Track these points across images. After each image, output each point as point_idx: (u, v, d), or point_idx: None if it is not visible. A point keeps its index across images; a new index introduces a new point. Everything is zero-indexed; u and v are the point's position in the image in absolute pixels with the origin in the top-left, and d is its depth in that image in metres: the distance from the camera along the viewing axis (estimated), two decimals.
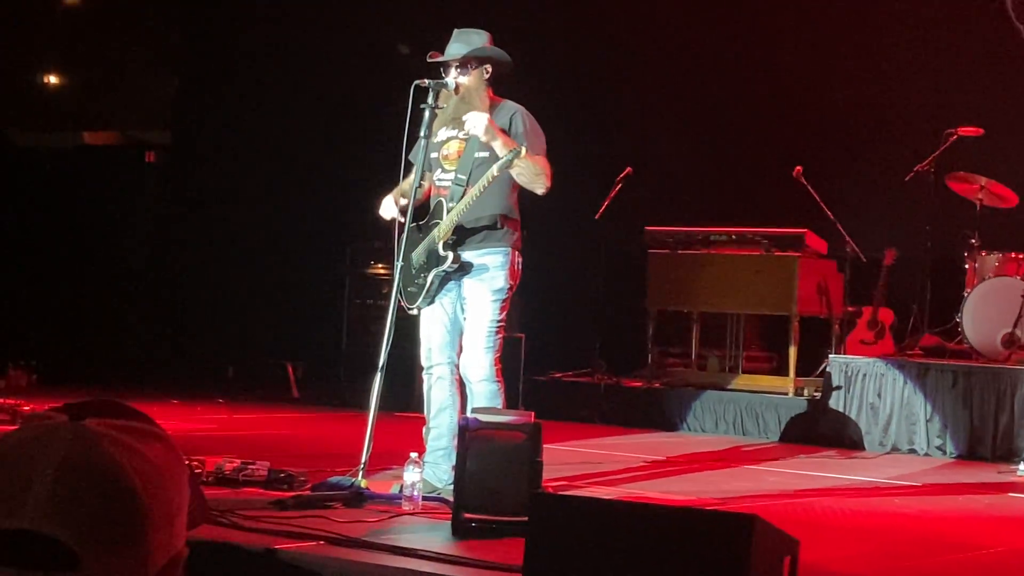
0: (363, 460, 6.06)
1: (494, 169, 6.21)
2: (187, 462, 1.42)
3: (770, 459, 8.81)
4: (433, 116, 6.51)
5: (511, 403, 6.77)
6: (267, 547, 4.90)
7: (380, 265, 11.61)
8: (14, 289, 13.35)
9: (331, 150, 12.95)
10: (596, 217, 10.98)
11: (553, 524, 3.98)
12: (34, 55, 14.96)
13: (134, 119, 14.86)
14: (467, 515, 5.44)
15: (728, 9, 12.03)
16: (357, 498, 5.90)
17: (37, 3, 14.58)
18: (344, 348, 11.79)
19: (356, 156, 11.98)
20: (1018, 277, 9.48)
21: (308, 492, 6.05)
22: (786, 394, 10.20)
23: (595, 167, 11.69)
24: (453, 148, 6.56)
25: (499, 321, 6.44)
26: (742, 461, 8.68)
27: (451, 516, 5.49)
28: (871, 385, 9.56)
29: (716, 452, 9.06)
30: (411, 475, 5.87)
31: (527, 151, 6.19)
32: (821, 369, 10.20)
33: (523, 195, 6.59)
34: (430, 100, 6.47)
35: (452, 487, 5.76)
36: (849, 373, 9.69)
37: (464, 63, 6.46)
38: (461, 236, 6.44)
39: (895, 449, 9.37)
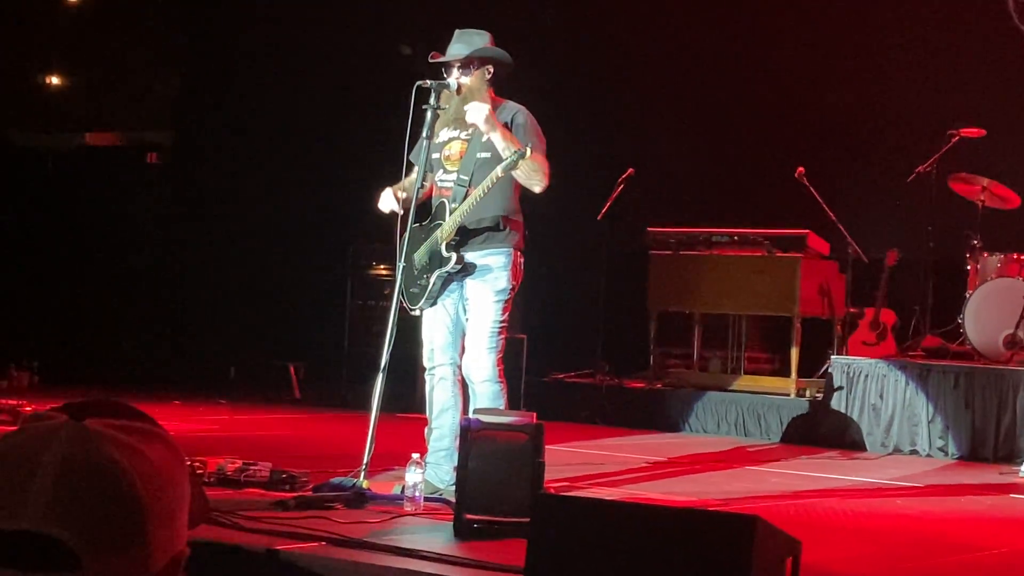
0: (365, 461, 6.06)
1: (498, 170, 6.20)
2: (188, 462, 1.42)
3: (772, 460, 8.81)
4: (435, 117, 6.51)
5: (513, 404, 6.77)
6: (268, 548, 4.90)
7: (382, 266, 11.62)
8: (16, 289, 13.36)
9: (333, 150, 12.95)
10: (598, 218, 10.97)
11: (555, 525, 3.98)
12: (36, 56, 14.96)
13: (136, 120, 14.86)
14: (469, 516, 5.44)
15: (730, 9, 12.03)
16: (359, 499, 5.90)
17: (39, 4, 14.59)
18: (346, 349, 11.79)
19: (358, 156, 11.98)
20: (1020, 278, 9.47)
21: (310, 493, 6.05)
22: (788, 395, 10.20)
23: (597, 168, 11.69)
24: (455, 149, 6.56)
25: (502, 322, 6.44)
26: (744, 462, 8.68)
27: (453, 517, 5.49)
28: (873, 386, 9.56)
29: (718, 453, 9.05)
30: (413, 476, 5.86)
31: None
32: (823, 370, 10.20)
33: (525, 196, 6.59)
34: (432, 101, 6.47)
35: (454, 488, 5.75)
36: (851, 374, 9.69)
37: (466, 63, 6.46)
38: (463, 237, 6.44)
39: (897, 450, 9.37)
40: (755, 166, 11.72)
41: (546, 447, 5.67)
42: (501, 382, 6.43)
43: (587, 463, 8.04)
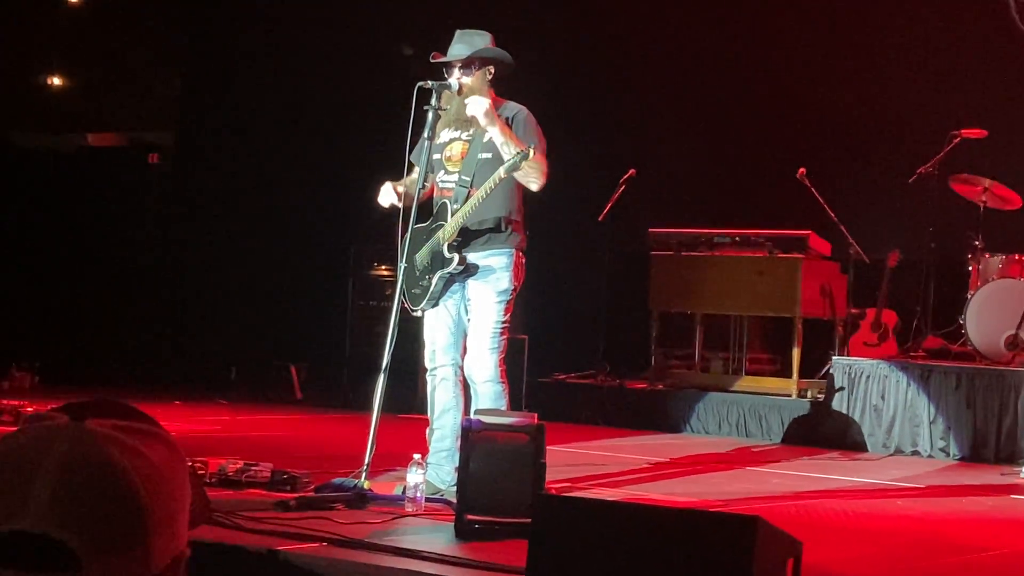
0: (366, 461, 6.06)
1: (501, 172, 6.21)
2: (189, 463, 1.42)
3: (773, 461, 8.81)
4: (436, 117, 6.51)
5: (514, 405, 6.77)
6: (270, 548, 4.90)
7: (383, 267, 11.61)
8: (17, 290, 13.35)
9: (334, 151, 12.95)
10: (599, 219, 10.97)
11: (556, 526, 3.98)
12: (37, 57, 14.97)
13: (137, 120, 14.86)
14: (470, 516, 5.44)
15: (731, 10, 12.03)
16: (360, 499, 5.90)
17: (40, 5, 14.59)
18: (347, 349, 11.79)
19: (359, 157, 11.98)
20: (1021, 279, 9.47)
21: (311, 493, 6.06)
22: (789, 396, 10.20)
23: (598, 169, 11.69)
24: (456, 150, 6.56)
25: (504, 322, 6.45)
26: (745, 463, 8.67)
27: (454, 517, 5.49)
28: (874, 387, 9.56)
29: (719, 454, 9.05)
30: (414, 476, 5.87)
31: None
32: (824, 371, 10.20)
33: (527, 196, 6.59)
34: (433, 101, 6.47)
35: (455, 488, 5.75)
36: (852, 375, 9.69)
37: (467, 64, 6.47)
38: (465, 238, 6.44)
39: (898, 451, 9.37)
40: (756, 167, 11.72)
41: (547, 448, 5.68)
42: (503, 382, 6.44)
43: (588, 464, 8.04)
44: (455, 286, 6.52)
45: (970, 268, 9.84)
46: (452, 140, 6.57)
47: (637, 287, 11.08)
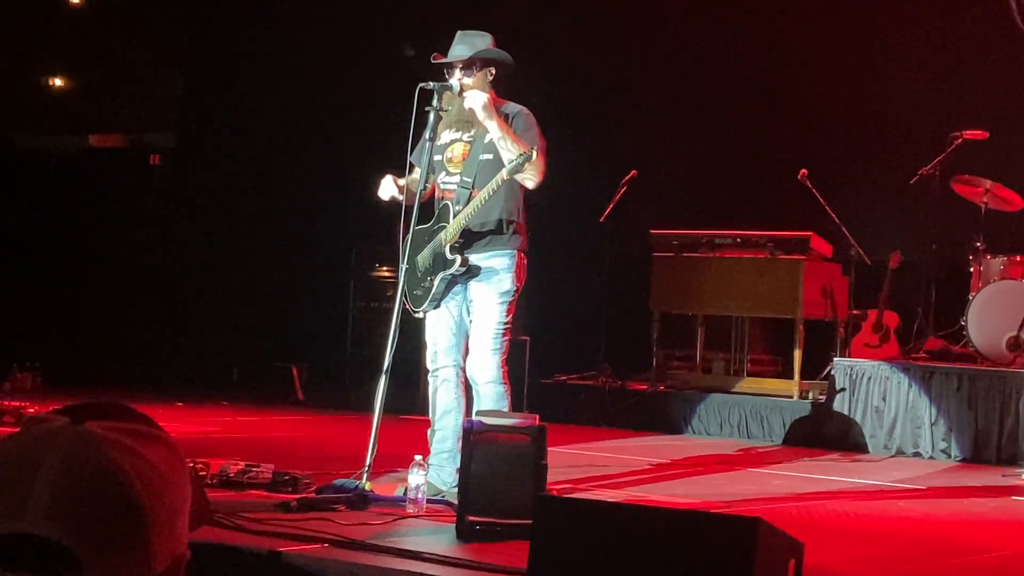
0: (367, 463, 6.06)
1: (503, 173, 6.21)
2: (190, 464, 1.42)
3: (774, 462, 8.81)
4: (438, 118, 6.51)
5: (515, 406, 6.77)
6: (271, 549, 4.90)
7: (385, 268, 11.62)
8: (19, 291, 13.37)
9: (336, 152, 12.95)
10: (601, 220, 10.97)
11: (557, 527, 3.98)
12: (39, 58, 14.98)
13: (138, 121, 14.88)
14: (471, 518, 5.44)
15: (732, 11, 12.03)
16: (361, 501, 5.90)
17: (41, 6, 14.60)
18: (349, 350, 11.79)
19: (361, 158, 11.98)
20: (1023, 280, 9.47)
21: (312, 495, 6.05)
22: (790, 397, 10.20)
23: (600, 170, 11.70)
24: (458, 151, 6.56)
25: (506, 323, 6.45)
26: (746, 464, 8.67)
27: (455, 519, 5.49)
28: (876, 388, 9.55)
29: (720, 455, 9.05)
30: (415, 478, 5.87)
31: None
32: (826, 372, 10.19)
33: (528, 197, 6.59)
34: (434, 102, 6.47)
35: (456, 490, 5.75)
36: (854, 376, 9.69)
37: (468, 65, 6.47)
38: (467, 239, 6.44)
39: (900, 452, 9.36)
40: (758, 168, 11.72)
41: (548, 449, 5.67)
42: (505, 383, 6.44)
43: (590, 465, 8.04)
44: (457, 287, 6.52)
45: (971, 269, 9.83)
46: (453, 141, 6.57)
47: (638, 288, 11.08)
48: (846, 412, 9.66)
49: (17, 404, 8.66)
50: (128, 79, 14.70)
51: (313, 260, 12.93)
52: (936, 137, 10.39)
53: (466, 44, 6.51)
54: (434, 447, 6.48)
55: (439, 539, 5.33)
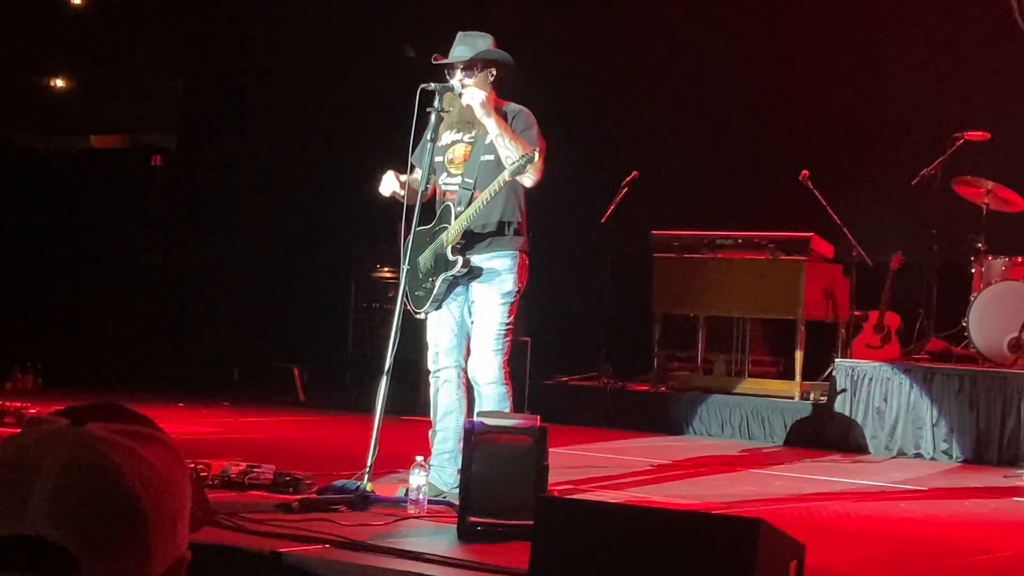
0: (369, 463, 6.06)
1: (505, 175, 6.21)
2: (191, 465, 1.42)
3: (776, 463, 8.80)
4: (439, 119, 6.50)
5: (516, 406, 6.76)
6: (272, 550, 4.90)
7: (386, 268, 11.62)
8: (20, 292, 13.37)
9: (337, 153, 12.95)
10: (602, 221, 10.97)
11: (558, 528, 3.97)
12: (40, 58, 14.99)
13: (140, 122, 14.88)
14: (472, 518, 5.44)
15: (733, 12, 12.02)
16: (362, 501, 5.90)
17: (43, 6, 14.60)
18: (350, 351, 11.79)
19: (361, 159, 11.98)
20: None
21: (313, 495, 6.05)
22: (792, 398, 10.19)
23: (601, 171, 11.69)
24: (459, 152, 6.55)
25: (507, 324, 6.45)
26: (748, 465, 8.67)
27: (456, 519, 5.49)
28: (877, 389, 9.55)
29: (722, 456, 9.04)
30: (416, 478, 5.86)
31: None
32: (827, 373, 10.19)
33: (529, 198, 6.59)
34: (436, 103, 6.47)
35: (457, 490, 5.75)
36: (855, 377, 9.68)
37: (469, 66, 6.46)
38: (469, 240, 6.44)
39: (901, 453, 9.36)
40: (759, 169, 11.72)
41: (550, 450, 5.67)
42: (507, 384, 6.44)
43: (591, 466, 8.04)
44: (459, 288, 6.51)
45: (973, 270, 9.83)
46: (454, 142, 6.57)
47: (640, 289, 11.08)
48: (847, 413, 9.66)
49: (18, 405, 8.66)
50: (128, 79, 14.71)
51: (314, 260, 12.93)
52: (937, 138, 10.38)
53: (467, 45, 6.51)
54: (435, 448, 6.48)
55: (440, 540, 5.32)
